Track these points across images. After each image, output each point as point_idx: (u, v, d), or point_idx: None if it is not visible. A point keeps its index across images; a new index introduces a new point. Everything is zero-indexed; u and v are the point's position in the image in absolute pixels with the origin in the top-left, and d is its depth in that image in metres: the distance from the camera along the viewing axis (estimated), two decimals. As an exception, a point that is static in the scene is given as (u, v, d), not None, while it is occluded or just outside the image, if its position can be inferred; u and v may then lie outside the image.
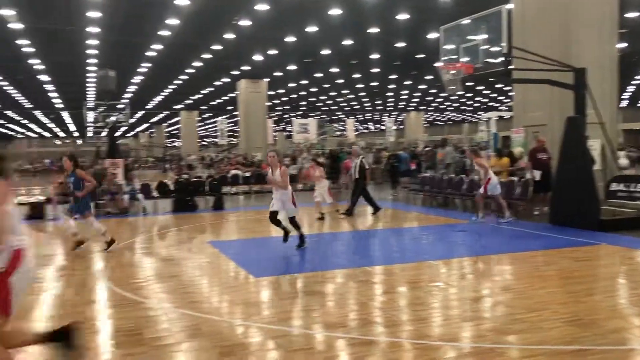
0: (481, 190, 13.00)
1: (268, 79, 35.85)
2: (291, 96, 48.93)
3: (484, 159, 13.72)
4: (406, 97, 52.68)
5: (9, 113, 59.30)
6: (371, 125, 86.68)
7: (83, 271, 8.85)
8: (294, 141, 45.23)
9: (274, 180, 9.73)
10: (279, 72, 34.49)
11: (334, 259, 9.65)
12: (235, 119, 51.33)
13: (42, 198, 17.07)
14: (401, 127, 67.12)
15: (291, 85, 41.25)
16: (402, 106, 60.70)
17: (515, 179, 14.27)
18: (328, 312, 6.15)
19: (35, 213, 15.67)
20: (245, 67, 32.44)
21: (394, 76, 38.77)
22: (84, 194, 10.23)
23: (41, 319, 6.20)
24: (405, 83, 42.59)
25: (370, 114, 70.87)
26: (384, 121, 67.48)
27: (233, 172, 23.82)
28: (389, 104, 59.23)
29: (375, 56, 30.05)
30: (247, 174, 23.50)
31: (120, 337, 5.34)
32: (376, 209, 14.72)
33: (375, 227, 13.39)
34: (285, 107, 58.17)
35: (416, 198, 18.29)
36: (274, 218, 9.76)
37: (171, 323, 5.84)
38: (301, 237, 9.94)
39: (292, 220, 9.82)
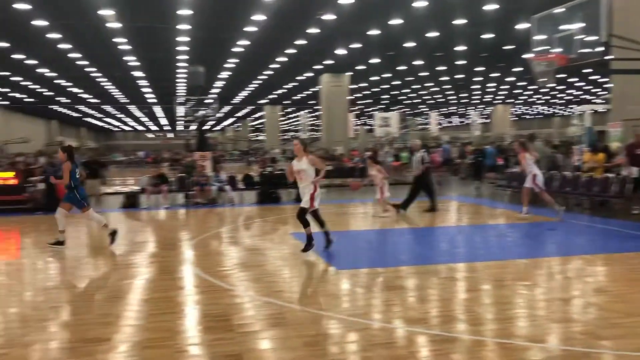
0: (528, 184, 12.67)
1: (350, 73, 35.87)
2: (373, 89, 48.70)
3: (529, 153, 13.14)
4: (493, 89, 50.99)
5: (107, 108, 63.07)
6: (455, 119, 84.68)
7: (173, 258, 9.27)
8: (376, 135, 45.01)
9: (295, 170, 8.93)
10: (362, 66, 34.40)
11: (417, 254, 9.55)
12: (317, 113, 51.80)
13: (136, 188, 18.04)
14: (487, 120, 65.09)
15: (373, 78, 41.04)
16: (489, 99, 58.81)
17: (611, 175, 13.48)
18: (410, 307, 6.10)
19: (130, 202, 16.57)
20: (328, 61, 32.60)
21: (480, 68, 37.63)
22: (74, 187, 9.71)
23: (135, 302, 6.57)
24: (492, 75, 41.23)
25: (454, 107, 69.23)
26: (468, 115, 65.71)
27: (315, 165, 24.03)
28: (474, 97, 57.59)
29: (461, 48, 29.27)
30: (329, 167, 23.64)
31: (208, 322, 5.56)
32: (434, 207, 14.35)
33: (459, 223, 13.09)
34: (367, 101, 57.98)
35: (503, 194, 17.70)
36: (301, 214, 8.89)
37: (256, 311, 6.01)
38: (309, 238, 8.83)
39: (301, 214, 8.85)
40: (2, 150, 39.36)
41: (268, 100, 54.68)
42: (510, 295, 6.54)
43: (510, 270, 7.85)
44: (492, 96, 56.43)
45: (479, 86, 48.36)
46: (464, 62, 33.91)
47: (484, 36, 26.25)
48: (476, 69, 37.93)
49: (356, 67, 34.67)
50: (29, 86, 42.55)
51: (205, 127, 23.32)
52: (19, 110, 60.88)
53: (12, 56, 29.41)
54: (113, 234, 9.97)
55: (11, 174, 16.42)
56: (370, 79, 41.14)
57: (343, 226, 12.46)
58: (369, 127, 65.68)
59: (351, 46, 28.13)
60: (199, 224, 13.79)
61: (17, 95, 48.33)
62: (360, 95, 51.31)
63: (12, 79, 38.23)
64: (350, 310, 6.01)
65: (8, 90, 45.00)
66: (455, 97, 57.27)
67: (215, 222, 13.97)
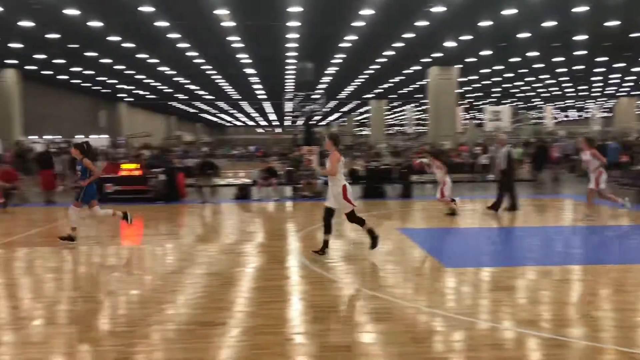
0: (592, 185, 11.90)
1: (460, 65, 34.91)
2: (483, 82, 47.05)
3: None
4: (617, 81, 47.39)
5: (221, 104, 66.12)
6: (573, 113, 79.71)
7: (281, 248, 9.58)
8: (486, 130, 43.47)
9: (320, 168, 8.64)
10: (472, 58, 33.37)
11: (528, 254, 9.15)
12: (423, 107, 50.95)
13: (247, 181, 18.80)
14: (609, 114, 60.66)
15: (484, 71, 39.65)
16: (611, 91, 54.76)
17: None
18: (521, 309, 5.87)
19: (242, 194, 17.30)
20: (437, 54, 31.96)
21: (602, 58, 35.11)
22: (87, 183, 9.80)
23: (246, 289, 6.87)
24: (615, 66, 38.31)
25: (572, 101, 65.17)
26: (588, 108, 61.59)
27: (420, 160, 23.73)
28: (594, 89, 53.86)
29: (581, 37, 27.51)
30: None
31: (317, 313, 5.69)
32: (514, 206, 13.52)
33: (574, 224, 12.37)
34: (477, 94, 56.14)
35: (626, 194, 16.44)
36: (327, 215, 8.41)
37: (363, 304, 6.07)
38: (370, 233, 8.43)
39: (351, 217, 8.40)
40: (127, 144, 42.46)
41: (374, 95, 54.59)
42: (634, 301, 6.10)
43: (635, 275, 7.31)
44: (615, 88, 52.49)
45: (600, 78, 45.17)
46: (584, 52, 31.84)
47: (608, 24, 24.46)
48: (598, 59, 35.46)
49: (466, 60, 33.69)
50: (151, 84, 45.62)
51: (311, 122, 23.74)
52: (142, 106, 65.47)
53: (137, 56, 31.68)
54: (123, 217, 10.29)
55: (136, 165, 17.72)
56: (481, 71, 39.79)
57: (452, 223, 12.20)
58: (478, 122, 63.61)
59: (461, 38, 27.37)
60: (306, 216, 14.11)
61: (141, 92, 52.01)
62: (470, 88, 49.79)
63: (136, 77, 41.18)
64: (457, 308, 5.90)
65: (133, 87, 48.54)
66: (573, 89, 53.92)
67: (320, 214, 14.20)
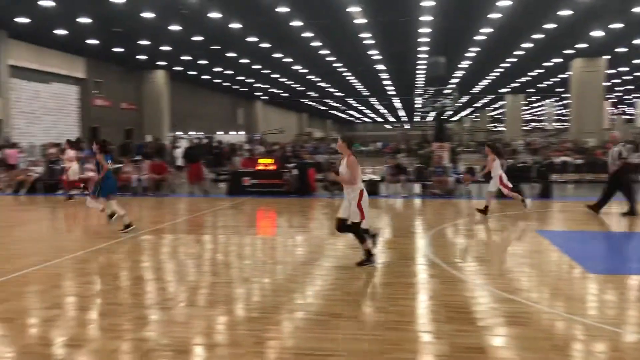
0: None
1: (608, 57, 32.20)
2: (635, 74, 42.98)
3: None
4: None
5: (350, 100, 66.89)
6: None
7: (410, 246, 9.46)
8: (638, 125, 39.72)
9: (339, 174, 7.57)
10: (622, 48, 30.61)
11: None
12: (565, 102, 47.68)
13: (375, 177, 18.80)
14: None
15: (637, 61, 36.20)
16: None
17: None
18: (682, 324, 5.27)
19: (371, 190, 17.32)
20: (581, 45, 29.73)
21: None
22: (100, 177, 10.26)
23: (375, 284, 6.86)
24: None
25: None
26: None
27: (562, 158, 22.28)
28: None
29: None
30: (579, 161, 21.69)
31: (448, 313, 5.53)
32: (633, 210, 11.95)
33: None
34: (627, 87, 51.44)
35: None
36: (339, 226, 7.58)
37: (497, 306, 5.80)
38: (367, 253, 7.52)
39: (353, 228, 7.46)
40: (262, 140, 44.41)
41: (510, 89, 52.14)
42: None
43: None
44: None
45: None
46: None
47: None
48: None
49: (615, 50, 30.99)
50: (285, 82, 47.29)
51: (443, 118, 23.19)
52: (276, 104, 68.14)
53: (272, 55, 32.99)
54: (111, 216, 10.61)
55: (271, 160, 18.48)
56: (633, 62, 36.38)
57: (597, 226, 11.30)
58: (628, 117, 58.30)
59: (610, 26, 25.22)
60: (435, 215, 13.83)
61: (275, 90, 54.13)
62: (619, 81, 45.76)
63: (271, 76, 42.93)
64: (601, 317, 5.43)
65: (268, 86, 50.67)
66: None
67: (452, 214, 13.86)
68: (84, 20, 23.83)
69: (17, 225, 11.91)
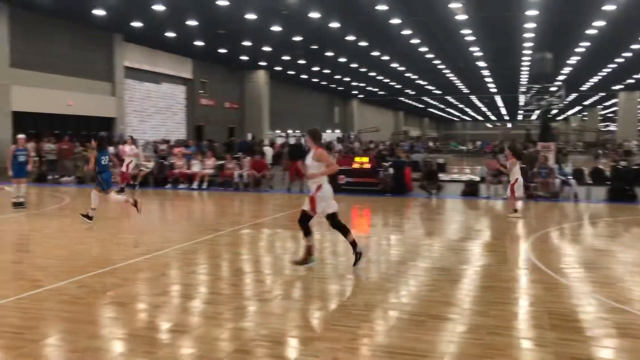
0: None
1: None
2: None
3: None
4: None
5: (449, 98, 65.41)
6: None
7: (511, 249, 9.10)
8: None
9: (304, 169, 7.40)
10: None
11: None
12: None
13: (475, 178, 18.27)
14: None
15: None
16: None
17: None
18: None
19: (470, 191, 16.87)
20: None
21: None
22: (91, 168, 11.14)
23: (474, 288, 6.66)
24: None
25: None
26: None
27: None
28: None
29: None
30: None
31: (553, 320, 5.25)
32: None
33: None
34: None
35: None
36: (302, 218, 7.29)
37: (606, 316, 5.44)
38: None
39: (330, 221, 7.23)
40: (358, 138, 44.54)
41: (623, 86, 48.67)
42: None
43: None
44: None
45: None
46: None
47: None
48: None
49: None
50: (382, 80, 47.10)
51: (548, 116, 22.11)
52: (372, 102, 68.03)
53: (370, 53, 32.97)
54: (135, 204, 11.32)
55: (366, 158, 18.48)
56: None
57: None
58: None
59: None
60: (539, 218, 13.20)
61: (372, 88, 54.05)
62: None
63: (369, 74, 42.92)
64: None
65: (364, 84, 50.71)
66: None
67: (557, 217, 13.18)
68: (191, 22, 25.06)
69: (128, 217, 12.74)
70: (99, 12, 23.39)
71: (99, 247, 8.98)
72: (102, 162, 10.99)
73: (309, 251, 7.23)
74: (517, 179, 12.39)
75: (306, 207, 7.25)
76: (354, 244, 7.26)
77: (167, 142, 26.35)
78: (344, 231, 7.28)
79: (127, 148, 17.60)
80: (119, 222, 11.92)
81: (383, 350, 4.53)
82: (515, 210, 12.44)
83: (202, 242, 9.28)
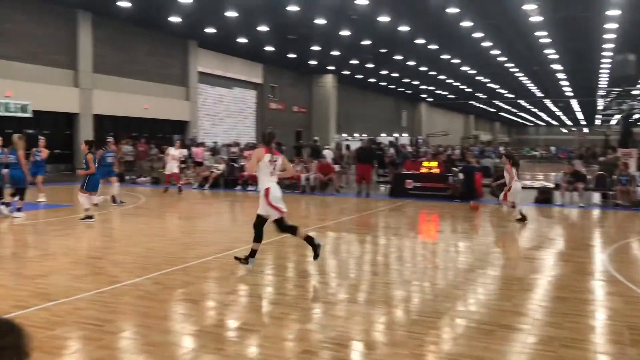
0: None
1: None
2: None
3: None
4: None
5: (521, 102, 63.41)
6: None
7: (587, 260, 8.70)
8: None
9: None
10: None
11: None
12: None
13: (548, 185, 17.60)
14: None
15: None
16: None
17: None
18: None
19: (544, 198, 16.27)
20: None
21: None
22: (82, 173, 11.57)
23: (547, 298, 6.42)
24: None
25: None
26: None
27: None
28: None
29: None
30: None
31: (634, 336, 4.98)
32: None
33: None
34: None
35: None
36: (257, 223, 7.31)
37: (693, 335, 5.11)
38: (309, 241, 7.32)
39: (280, 226, 7.25)
40: (427, 142, 43.95)
41: None
42: None
43: None
44: None
45: None
46: None
47: None
48: None
49: None
50: (452, 83, 46.30)
51: (630, 121, 21.02)
52: (440, 105, 66.97)
53: (440, 57, 32.49)
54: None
55: (435, 163, 18.20)
56: None
57: None
58: None
59: None
60: (618, 228, 12.56)
61: (441, 92, 53.23)
62: None
63: (438, 77, 42.30)
64: None
65: (433, 88, 50.01)
66: None
67: (638, 227, 12.49)
68: (262, 28, 25.58)
69: (200, 217, 13.14)
70: (175, 19, 24.31)
71: (172, 245, 9.31)
72: (104, 162, 12.32)
73: (252, 253, 7.32)
74: (511, 187, 12.05)
75: (260, 211, 7.27)
76: (308, 238, 7.35)
77: (237, 144, 26.99)
78: (293, 231, 7.34)
79: (177, 151, 18.14)
80: (191, 222, 12.32)
81: (450, 358, 4.45)
82: (523, 216, 12.05)
83: (270, 243, 9.43)
